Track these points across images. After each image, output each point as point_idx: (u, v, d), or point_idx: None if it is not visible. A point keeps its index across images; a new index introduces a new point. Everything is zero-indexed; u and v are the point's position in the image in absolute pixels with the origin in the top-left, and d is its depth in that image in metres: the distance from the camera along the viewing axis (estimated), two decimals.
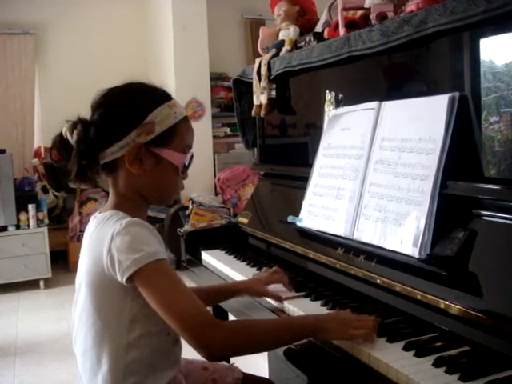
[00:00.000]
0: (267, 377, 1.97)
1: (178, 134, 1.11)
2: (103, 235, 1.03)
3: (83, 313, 1.09)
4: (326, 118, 1.59)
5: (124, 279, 0.99)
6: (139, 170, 1.08)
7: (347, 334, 1.01)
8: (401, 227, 1.15)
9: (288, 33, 1.81)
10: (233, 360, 1.57)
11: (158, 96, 1.11)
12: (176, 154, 1.11)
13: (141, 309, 1.04)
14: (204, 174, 4.82)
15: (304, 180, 1.57)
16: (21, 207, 4.23)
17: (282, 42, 1.80)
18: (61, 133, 1.09)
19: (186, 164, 1.14)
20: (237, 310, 1.50)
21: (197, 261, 1.85)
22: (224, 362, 1.46)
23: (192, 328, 0.97)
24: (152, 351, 1.07)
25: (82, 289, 1.09)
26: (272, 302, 1.32)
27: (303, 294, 1.31)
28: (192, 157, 1.16)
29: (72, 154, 1.06)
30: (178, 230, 2.00)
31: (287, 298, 1.29)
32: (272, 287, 1.34)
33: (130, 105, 1.09)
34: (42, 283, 4.29)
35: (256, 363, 2.45)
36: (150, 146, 1.07)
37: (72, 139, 1.07)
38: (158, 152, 1.09)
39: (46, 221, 4.40)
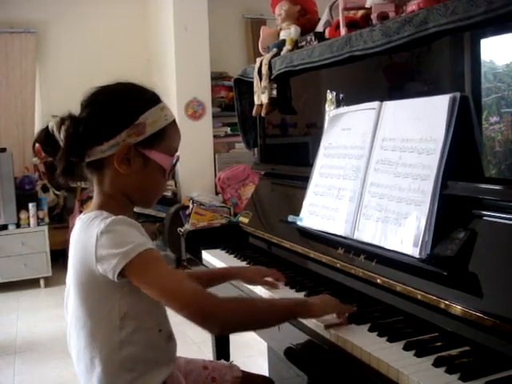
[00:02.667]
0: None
1: (167, 137, 1.11)
2: (89, 236, 1.03)
3: (74, 314, 1.10)
4: (327, 118, 1.59)
5: (115, 275, 0.99)
6: (127, 170, 1.08)
7: (325, 310, 1.10)
8: (401, 227, 1.15)
9: (289, 32, 1.81)
10: (232, 359, 1.57)
11: (150, 98, 1.11)
12: (164, 156, 1.11)
13: (131, 306, 1.05)
14: (204, 173, 4.82)
15: (305, 180, 1.57)
16: (21, 206, 4.22)
17: (283, 42, 1.81)
18: (46, 128, 1.08)
19: (173, 165, 1.15)
20: None
21: (197, 260, 1.85)
22: (223, 361, 1.46)
23: (195, 305, 0.99)
24: (145, 348, 1.08)
25: (72, 290, 1.10)
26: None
27: (303, 293, 1.32)
28: (178, 159, 1.17)
29: (59, 151, 1.06)
30: (179, 229, 2.01)
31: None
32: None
33: (121, 105, 1.09)
34: (42, 282, 4.29)
35: (256, 363, 2.46)
36: (139, 146, 1.08)
37: (59, 135, 1.06)
38: (147, 153, 1.09)
39: (47, 219, 4.40)
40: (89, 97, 1.10)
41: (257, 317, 1.08)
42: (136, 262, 0.99)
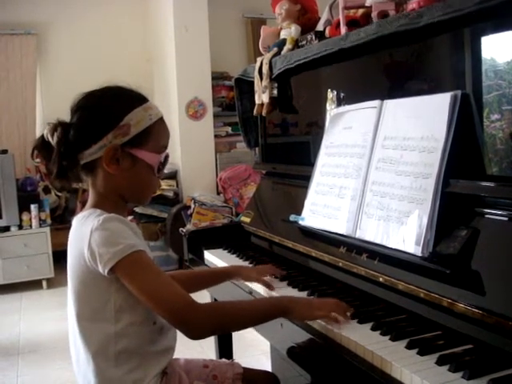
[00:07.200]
0: None
1: (153, 135, 1.14)
2: (83, 232, 1.08)
3: (71, 308, 1.13)
4: (328, 117, 1.59)
5: (106, 271, 1.04)
6: (116, 170, 1.12)
7: (311, 314, 1.12)
8: (403, 225, 1.15)
9: (289, 32, 1.81)
10: (234, 358, 1.57)
11: (134, 99, 1.15)
12: (151, 154, 1.14)
13: (125, 299, 1.09)
14: (206, 173, 4.82)
15: (306, 179, 1.57)
16: (23, 207, 4.23)
17: (284, 41, 1.81)
18: (42, 135, 1.13)
19: (162, 162, 1.18)
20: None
21: (199, 260, 1.86)
22: (224, 359, 1.46)
23: (174, 312, 1.04)
24: (140, 340, 1.12)
25: (69, 285, 1.14)
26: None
27: (306, 292, 1.32)
28: (167, 156, 1.20)
29: (52, 155, 1.11)
30: (181, 229, 2.01)
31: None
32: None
33: (106, 108, 1.13)
34: (44, 283, 4.30)
35: (259, 362, 2.46)
36: (126, 147, 1.11)
37: (53, 141, 1.11)
38: (134, 153, 1.13)
39: (49, 221, 4.41)
40: (76, 102, 1.14)
41: (235, 320, 1.13)
42: (125, 262, 1.04)
